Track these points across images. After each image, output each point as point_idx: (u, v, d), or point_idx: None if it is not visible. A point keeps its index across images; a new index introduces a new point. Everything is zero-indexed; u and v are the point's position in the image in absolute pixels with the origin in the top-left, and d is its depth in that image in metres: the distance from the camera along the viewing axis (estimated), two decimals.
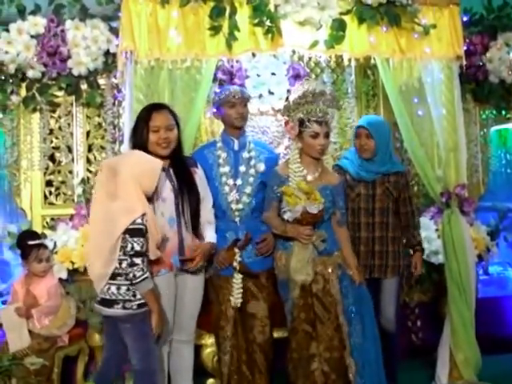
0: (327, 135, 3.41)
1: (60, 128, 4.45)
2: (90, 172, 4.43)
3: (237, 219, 3.55)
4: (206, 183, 3.45)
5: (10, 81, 4.30)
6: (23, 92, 4.34)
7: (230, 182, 3.56)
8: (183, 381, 3.45)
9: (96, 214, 3.03)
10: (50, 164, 4.44)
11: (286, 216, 3.30)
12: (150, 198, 3.07)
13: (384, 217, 3.64)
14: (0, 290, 4.73)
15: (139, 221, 2.89)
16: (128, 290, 2.92)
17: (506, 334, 4.79)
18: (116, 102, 4.30)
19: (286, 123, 3.49)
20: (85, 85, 4.33)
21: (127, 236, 2.88)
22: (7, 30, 4.23)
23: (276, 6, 3.56)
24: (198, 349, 3.66)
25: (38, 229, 4.26)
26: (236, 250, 3.48)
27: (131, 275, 2.88)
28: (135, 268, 2.87)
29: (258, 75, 4.63)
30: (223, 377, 3.51)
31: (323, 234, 3.36)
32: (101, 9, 4.33)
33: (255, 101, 4.48)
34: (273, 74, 4.67)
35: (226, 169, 3.58)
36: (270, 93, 4.64)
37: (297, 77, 4.58)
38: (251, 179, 3.58)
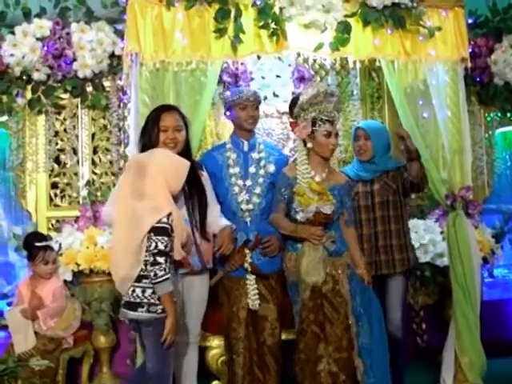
0: (337, 135, 3.47)
1: (65, 130, 4.47)
2: (95, 174, 4.45)
3: (247, 219, 3.55)
4: (211, 188, 3.45)
5: (16, 83, 4.32)
6: (29, 94, 4.36)
7: (240, 182, 3.56)
8: (188, 382, 3.44)
9: (121, 214, 2.96)
10: (56, 166, 4.46)
11: (299, 217, 3.30)
12: (175, 198, 3.02)
13: (385, 210, 3.63)
14: (5, 291, 4.74)
15: (165, 220, 2.84)
16: (153, 293, 2.84)
17: (511, 336, 4.78)
18: (121, 105, 4.33)
19: (293, 125, 3.50)
20: (90, 87, 4.36)
21: (152, 234, 2.82)
22: (13, 33, 4.26)
23: (281, 9, 3.56)
24: (202, 351, 3.66)
25: (43, 231, 4.28)
26: (246, 251, 3.47)
27: (152, 274, 2.80)
28: (157, 267, 2.80)
29: (262, 77, 4.65)
30: (237, 378, 3.49)
31: (333, 234, 3.37)
32: (106, 11, 4.36)
33: None
34: (278, 76, 4.69)
35: (236, 169, 3.58)
36: (275, 95, 4.65)
37: (302, 79, 4.60)
38: (261, 180, 3.58)
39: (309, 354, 3.34)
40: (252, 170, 3.60)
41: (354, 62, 3.83)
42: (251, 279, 3.47)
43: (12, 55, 4.20)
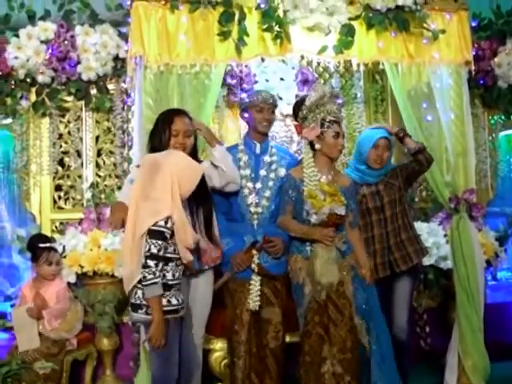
0: (343, 136, 3.50)
1: (69, 133, 4.48)
2: (99, 176, 4.46)
3: (255, 222, 3.55)
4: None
5: (20, 86, 4.34)
6: (33, 97, 4.38)
7: (250, 185, 3.56)
8: None
9: (130, 214, 2.93)
10: (60, 168, 4.47)
11: (313, 219, 3.30)
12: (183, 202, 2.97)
13: (393, 208, 3.63)
14: (9, 293, 4.75)
15: (161, 223, 2.81)
16: None
17: None
18: (125, 107, 4.34)
19: (297, 127, 3.50)
20: (94, 90, 4.37)
21: (148, 237, 2.81)
22: (17, 36, 4.28)
23: (285, 12, 3.57)
24: (205, 353, 3.65)
25: (47, 233, 4.29)
26: (254, 252, 3.47)
27: (141, 276, 2.80)
28: (147, 270, 2.77)
29: (266, 80, 4.65)
30: (237, 381, 3.49)
31: (344, 234, 3.39)
32: (110, 14, 4.38)
33: None
34: (281, 79, 4.69)
35: (247, 171, 3.58)
36: (279, 98, 4.64)
37: (305, 82, 4.60)
38: (271, 183, 3.58)
39: (313, 356, 3.33)
40: (263, 172, 3.59)
41: (358, 65, 3.85)
42: (256, 280, 3.47)
43: (16, 58, 4.21)
